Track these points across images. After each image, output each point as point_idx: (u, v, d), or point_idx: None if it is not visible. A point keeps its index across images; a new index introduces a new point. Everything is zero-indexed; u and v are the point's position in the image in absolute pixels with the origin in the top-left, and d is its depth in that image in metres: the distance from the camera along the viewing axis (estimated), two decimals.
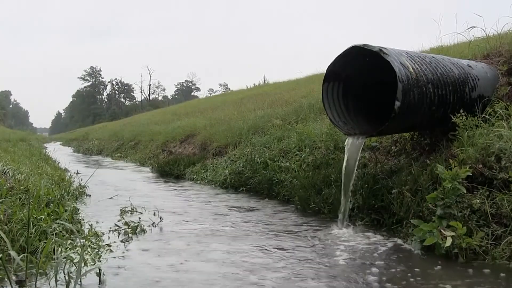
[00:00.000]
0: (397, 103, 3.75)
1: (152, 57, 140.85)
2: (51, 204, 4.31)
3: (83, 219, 4.60)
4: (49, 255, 3.01)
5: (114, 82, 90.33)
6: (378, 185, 4.55)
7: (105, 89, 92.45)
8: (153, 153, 13.59)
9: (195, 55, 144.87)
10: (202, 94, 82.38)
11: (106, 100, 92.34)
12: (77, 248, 3.33)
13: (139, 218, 4.59)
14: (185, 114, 18.63)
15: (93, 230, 4.02)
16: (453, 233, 3.27)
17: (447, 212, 3.45)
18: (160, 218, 4.72)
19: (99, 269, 2.87)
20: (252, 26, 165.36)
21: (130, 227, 4.26)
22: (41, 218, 3.58)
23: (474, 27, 5.59)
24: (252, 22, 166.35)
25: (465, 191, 3.48)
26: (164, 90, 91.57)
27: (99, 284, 2.80)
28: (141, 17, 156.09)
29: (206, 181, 8.27)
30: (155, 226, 4.50)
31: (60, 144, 34.65)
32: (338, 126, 4.50)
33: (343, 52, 4.21)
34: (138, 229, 4.24)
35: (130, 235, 4.13)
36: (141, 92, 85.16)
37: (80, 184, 6.85)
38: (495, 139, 3.73)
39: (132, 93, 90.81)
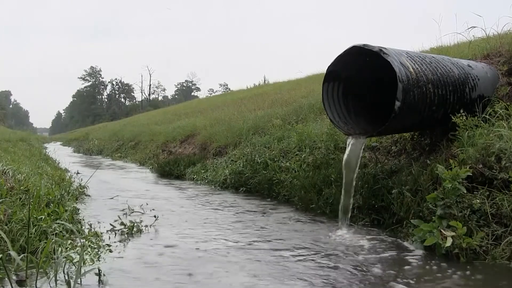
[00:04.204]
0: (397, 103, 3.75)
1: (152, 57, 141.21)
2: (51, 204, 4.30)
3: (83, 219, 4.59)
4: (49, 255, 3.01)
5: (114, 82, 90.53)
6: (378, 185, 4.55)
7: (105, 89, 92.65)
8: (153, 153, 13.58)
9: (195, 55, 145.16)
10: (202, 94, 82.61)
11: (106, 100, 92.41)
12: (77, 248, 3.33)
13: (139, 219, 4.59)
14: (185, 114, 18.62)
15: (93, 230, 4.02)
16: (453, 233, 3.27)
17: (447, 212, 3.45)
18: (156, 217, 4.70)
19: (99, 269, 2.87)
20: (252, 26, 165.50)
21: (129, 227, 4.26)
22: (41, 218, 3.58)
23: (474, 27, 5.60)
24: (252, 22, 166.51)
25: (465, 191, 3.48)
26: (164, 90, 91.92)
27: (99, 283, 2.80)
28: (142, 17, 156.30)
29: (206, 181, 8.26)
30: (155, 226, 4.50)
31: (60, 144, 34.63)
32: (338, 126, 4.50)
33: (343, 52, 4.21)
34: (136, 230, 4.24)
35: (127, 235, 4.13)
36: (141, 92, 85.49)
37: (80, 184, 6.84)
38: (495, 139, 3.73)
39: (132, 93, 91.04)
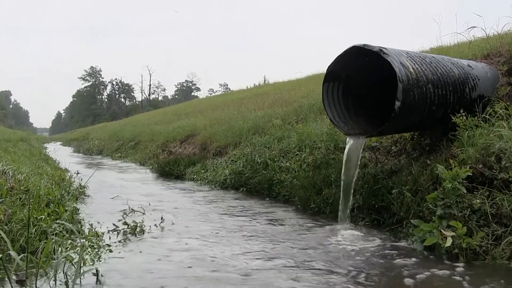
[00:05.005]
0: (397, 103, 3.75)
1: (152, 57, 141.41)
2: (51, 204, 4.30)
3: (83, 219, 4.60)
4: (49, 255, 3.01)
5: (114, 82, 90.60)
6: (378, 185, 4.55)
7: (105, 89, 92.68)
8: (153, 153, 13.58)
9: (195, 55, 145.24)
10: (202, 94, 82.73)
11: (106, 100, 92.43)
12: (77, 248, 3.32)
13: (140, 219, 4.58)
14: (185, 114, 18.62)
15: (93, 230, 4.02)
16: (453, 233, 3.27)
17: (447, 212, 3.45)
18: (162, 219, 4.70)
19: (96, 270, 2.87)
20: (252, 26, 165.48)
21: (130, 227, 4.25)
22: (41, 218, 3.58)
23: (474, 27, 5.60)
24: (252, 22, 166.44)
25: (465, 191, 3.48)
26: (164, 90, 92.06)
27: (96, 284, 2.80)
28: (141, 17, 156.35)
29: (206, 181, 8.27)
30: (157, 226, 4.50)
31: (60, 144, 34.65)
32: (338, 126, 4.50)
33: (343, 52, 4.21)
34: (138, 230, 4.23)
35: (129, 235, 4.13)
36: (141, 92, 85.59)
37: (80, 184, 6.84)
38: (495, 139, 3.73)
39: (132, 93, 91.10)
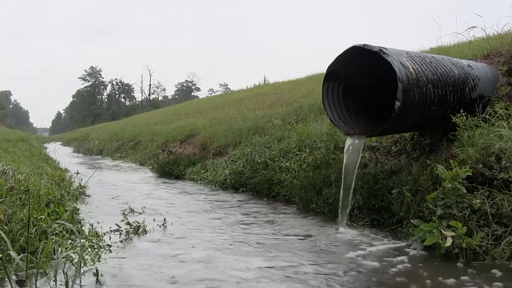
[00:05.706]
0: (397, 103, 3.75)
1: (152, 57, 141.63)
2: (51, 204, 4.30)
3: (83, 219, 4.59)
4: (49, 255, 3.01)
5: (114, 82, 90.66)
6: (378, 185, 4.55)
7: (105, 89, 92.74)
8: (153, 153, 13.58)
9: (195, 55, 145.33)
10: (202, 94, 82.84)
11: (106, 100, 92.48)
12: (77, 248, 3.32)
13: (142, 220, 4.58)
14: (185, 114, 18.61)
15: (93, 230, 4.01)
16: (453, 233, 3.27)
17: (447, 212, 3.45)
18: (164, 220, 4.69)
19: (96, 270, 2.87)
20: (252, 26, 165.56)
21: (132, 227, 4.25)
22: (41, 218, 3.58)
23: (474, 27, 5.60)
24: (252, 22, 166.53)
25: (465, 191, 3.48)
26: (164, 90, 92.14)
27: (96, 284, 2.80)
28: (141, 17, 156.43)
29: (206, 181, 8.26)
30: (160, 226, 4.49)
31: (60, 144, 34.65)
32: (338, 126, 4.50)
33: (343, 52, 4.21)
34: (140, 230, 4.23)
35: (131, 235, 4.13)
36: (141, 92, 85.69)
37: (80, 184, 6.84)
38: (495, 139, 3.73)
39: (132, 93, 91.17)
